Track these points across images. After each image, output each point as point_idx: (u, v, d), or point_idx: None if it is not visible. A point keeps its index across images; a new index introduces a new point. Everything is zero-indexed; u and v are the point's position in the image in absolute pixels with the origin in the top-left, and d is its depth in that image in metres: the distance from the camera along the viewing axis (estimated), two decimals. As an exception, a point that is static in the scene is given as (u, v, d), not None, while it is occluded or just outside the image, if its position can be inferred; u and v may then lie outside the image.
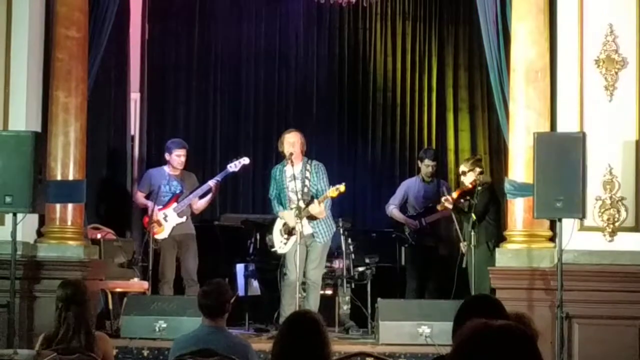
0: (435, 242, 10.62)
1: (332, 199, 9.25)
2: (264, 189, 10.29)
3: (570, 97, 8.23)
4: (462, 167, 9.89)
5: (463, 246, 9.35)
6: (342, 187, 8.98)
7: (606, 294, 7.99)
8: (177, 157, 9.97)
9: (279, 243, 9.24)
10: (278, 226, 9.30)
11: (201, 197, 10.04)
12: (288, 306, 9.03)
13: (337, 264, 10.10)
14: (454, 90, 12.72)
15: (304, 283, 9.12)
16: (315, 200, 9.05)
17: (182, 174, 10.05)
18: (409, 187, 10.78)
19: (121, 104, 11.29)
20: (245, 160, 9.99)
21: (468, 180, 9.65)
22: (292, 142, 9.15)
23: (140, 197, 10.12)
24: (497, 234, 9.34)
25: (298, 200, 9.00)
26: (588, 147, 7.70)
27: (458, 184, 11.75)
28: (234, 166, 9.95)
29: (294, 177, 9.09)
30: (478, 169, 9.69)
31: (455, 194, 9.68)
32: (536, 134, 7.82)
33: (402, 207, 10.71)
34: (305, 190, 9.07)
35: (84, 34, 8.82)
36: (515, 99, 8.36)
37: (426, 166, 10.61)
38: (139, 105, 11.93)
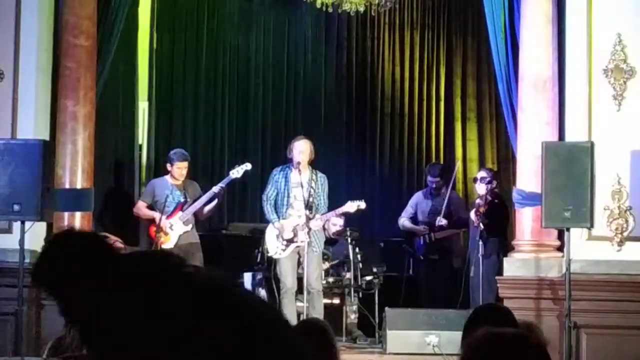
0: (440, 255, 10.57)
1: (349, 215, 9.25)
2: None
3: (578, 107, 8.23)
4: (482, 174, 9.84)
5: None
6: (362, 204, 8.98)
7: (614, 303, 7.98)
8: (178, 169, 9.89)
9: (275, 248, 9.18)
10: (273, 231, 9.21)
11: (205, 204, 10.00)
12: (290, 313, 9.02)
13: (344, 273, 10.07)
14: (462, 99, 12.71)
15: (301, 292, 9.10)
16: (318, 216, 9.04)
17: (184, 182, 9.98)
18: (418, 200, 10.74)
19: (129, 113, 11.30)
20: (248, 166, 9.91)
21: (480, 188, 9.60)
22: (302, 149, 9.11)
23: (142, 207, 10.02)
24: (505, 245, 9.35)
25: (304, 208, 8.99)
26: (596, 156, 7.69)
27: (466, 194, 11.75)
28: (236, 172, 9.88)
29: (300, 185, 9.07)
30: (495, 182, 9.70)
31: (481, 209, 9.55)
32: (544, 143, 7.81)
33: (413, 220, 10.69)
34: (310, 199, 9.04)
35: (93, 43, 8.83)
36: (524, 108, 8.36)
37: (430, 182, 10.60)
38: (147, 114, 11.94)
